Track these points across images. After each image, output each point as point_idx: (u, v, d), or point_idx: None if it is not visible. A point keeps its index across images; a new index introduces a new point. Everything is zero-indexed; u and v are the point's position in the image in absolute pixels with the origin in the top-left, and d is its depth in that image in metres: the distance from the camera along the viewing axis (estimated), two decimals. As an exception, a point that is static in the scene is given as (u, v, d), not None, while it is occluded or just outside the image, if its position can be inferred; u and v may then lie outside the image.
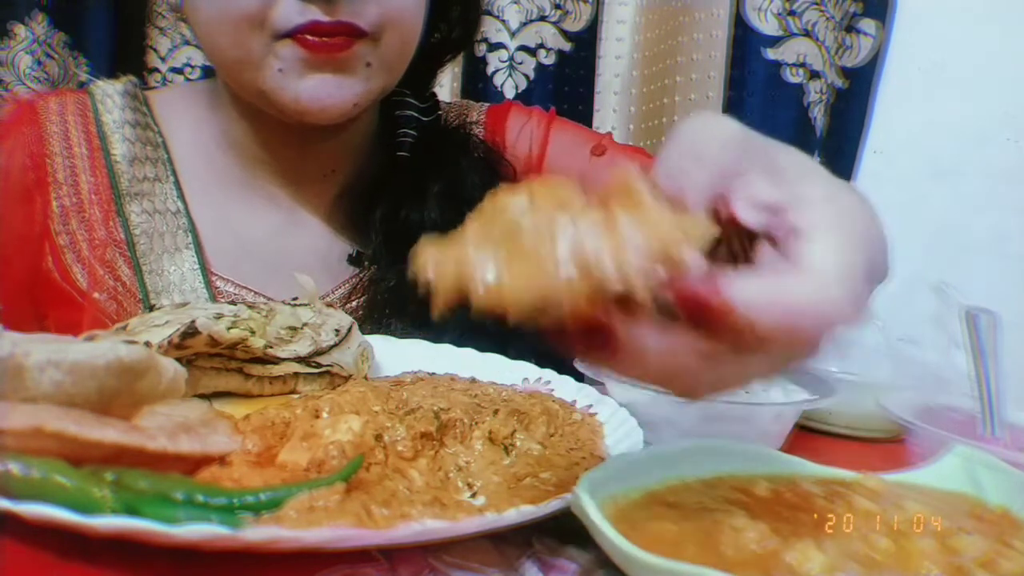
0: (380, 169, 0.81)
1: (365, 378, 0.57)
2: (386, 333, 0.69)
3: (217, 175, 0.77)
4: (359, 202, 0.79)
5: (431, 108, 0.84)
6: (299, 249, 0.78)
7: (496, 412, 0.48)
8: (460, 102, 0.92)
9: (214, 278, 0.74)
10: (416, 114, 0.82)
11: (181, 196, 0.75)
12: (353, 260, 0.78)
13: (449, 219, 0.77)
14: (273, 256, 0.75)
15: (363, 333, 0.62)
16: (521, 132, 0.88)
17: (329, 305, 0.63)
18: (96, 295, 0.71)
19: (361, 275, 0.78)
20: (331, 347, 0.55)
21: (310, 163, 0.78)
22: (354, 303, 0.77)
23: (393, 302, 0.75)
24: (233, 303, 0.60)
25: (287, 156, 0.77)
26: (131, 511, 0.32)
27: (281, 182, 0.78)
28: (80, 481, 0.33)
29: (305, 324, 0.57)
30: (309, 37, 0.63)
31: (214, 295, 0.73)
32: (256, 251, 0.76)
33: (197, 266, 0.73)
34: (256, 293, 0.74)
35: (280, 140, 0.75)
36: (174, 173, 0.76)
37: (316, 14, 0.62)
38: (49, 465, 0.33)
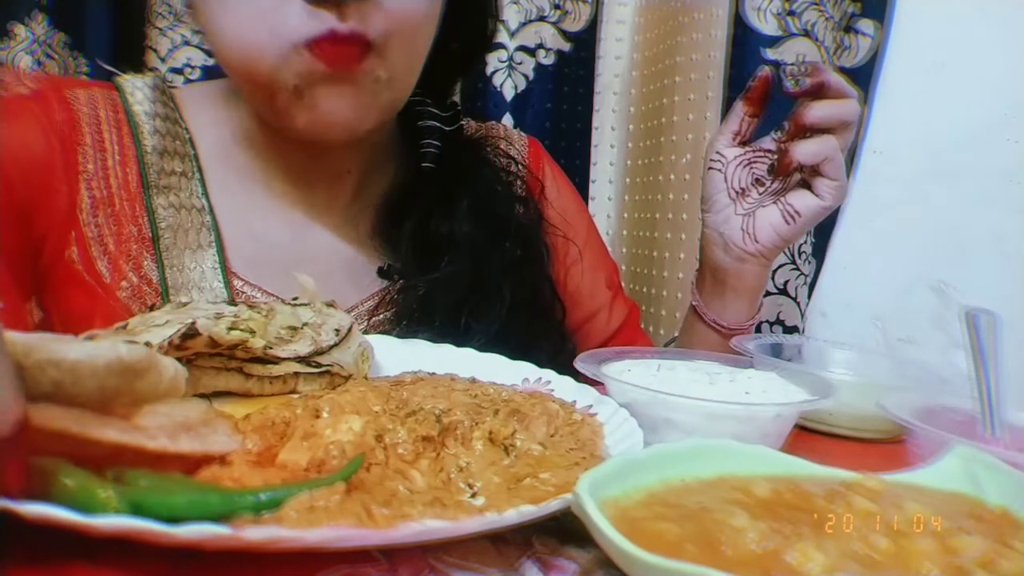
0: (406, 179, 0.81)
1: (365, 378, 0.57)
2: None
3: (238, 174, 0.77)
4: (387, 213, 0.79)
5: (453, 117, 0.84)
6: (320, 255, 0.78)
7: (496, 412, 0.48)
8: (491, 124, 0.94)
9: (234, 279, 0.73)
10: (438, 124, 0.82)
11: (206, 193, 0.75)
12: (383, 273, 0.78)
13: (479, 232, 0.78)
14: (294, 260, 0.75)
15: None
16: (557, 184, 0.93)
17: (329, 305, 0.63)
18: (119, 290, 0.70)
19: (389, 288, 0.78)
20: (331, 347, 0.55)
21: (323, 163, 0.78)
22: (381, 316, 0.77)
23: (421, 312, 0.75)
24: (234, 303, 0.60)
25: (298, 156, 0.77)
26: (136, 511, 0.32)
27: (295, 181, 0.78)
28: (84, 481, 0.33)
29: (305, 324, 0.57)
30: (326, 48, 0.62)
31: (233, 295, 0.72)
32: (276, 253, 0.76)
33: (218, 265, 0.72)
34: (276, 297, 0.73)
35: (290, 140, 0.75)
36: (200, 170, 0.76)
37: (329, 21, 0.61)
38: (54, 465, 0.33)
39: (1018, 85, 1.11)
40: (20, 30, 1.12)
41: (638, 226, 1.32)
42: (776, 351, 0.73)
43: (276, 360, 0.52)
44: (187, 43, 1.18)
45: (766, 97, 0.76)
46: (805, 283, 1.16)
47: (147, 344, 0.47)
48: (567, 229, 0.89)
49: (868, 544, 0.34)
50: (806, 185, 0.76)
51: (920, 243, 1.17)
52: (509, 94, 1.23)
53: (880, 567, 0.32)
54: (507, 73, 1.22)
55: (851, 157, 1.15)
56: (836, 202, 0.76)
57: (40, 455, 0.34)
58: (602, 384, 0.56)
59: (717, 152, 0.79)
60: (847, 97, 0.73)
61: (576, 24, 1.25)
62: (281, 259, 0.75)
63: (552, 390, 0.57)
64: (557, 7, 1.23)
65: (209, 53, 1.16)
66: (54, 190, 0.70)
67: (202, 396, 0.50)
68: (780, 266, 1.14)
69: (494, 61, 1.22)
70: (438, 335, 0.70)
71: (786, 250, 1.13)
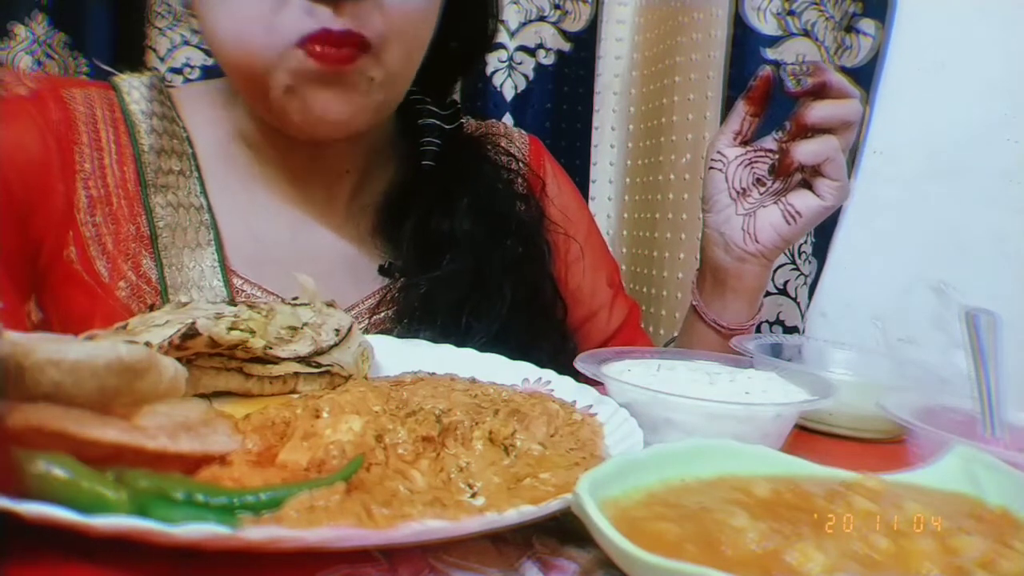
0: (406, 177, 0.81)
1: (365, 378, 0.57)
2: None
3: (237, 173, 0.77)
4: (388, 212, 0.79)
5: (453, 115, 0.84)
6: (321, 254, 0.78)
7: (496, 412, 0.48)
8: (491, 122, 0.95)
9: (233, 277, 0.73)
10: (438, 122, 0.82)
11: (204, 192, 0.75)
12: (384, 271, 0.78)
13: (480, 229, 0.78)
14: (294, 259, 0.75)
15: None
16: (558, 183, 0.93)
17: (329, 305, 0.63)
18: (118, 290, 0.70)
19: (390, 286, 0.78)
20: (331, 347, 0.55)
21: (322, 162, 0.78)
22: (382, 314, 0.77)
23: (422, 311, 0.75)
24: (233, 303, 0.60)
25: (297, 155, 0.77)
26: (142, 513, 0.32)
27: (295, 179, 0.78)
28: (94, 483, 0.33)
29: (305, 324, 0.57)
30: (318, 48, 0.62)
31: (233, 294, 0.72)
32: (276, 252, 0.76)
33: (217, 264, 0.72)
34: (276, 296, 0.73)
35: (290, 139, 0.75)
36: (198, 169, 0.76)
37: (325, 19, 0.62)
38: (68, 463, 0.33)
39: (1018, 85, 1.12)
40: (20, 30, 1.12)
41: (638, 226, 1.32)
42: (776, 351, 0.73)
43: (276, 360, 0.52)
44: (187, 43, 1.18)
45: (767, 97, 0.76)
46: (805, 283, 1.16)
47: (147, 344, 0.47)
48: (568, 227, 0.89)
49: (868, 544, 0.34)
50: (807, 185, 0.76)
51: (920, 243, 1.17)
52: (509, 94, 1.23)
53: (880, 567, 0.32)
54: (507, 73, 1.22)
55: (852, 157, 1.15)
56: (837, 202, 0.75)
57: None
58: (602, 384, 0.56)
59: (718, 152, 0.79)
60: (849, 97, 0.73)
61: (576, 24, 1.25)
62: (281, 257, 0.75)
63: (552, 390, 0.57)
64: (557, 7, 1.23)
65: (208, 53, 1.16)
66: (51, 190, 0.70)
67: (202, 396, 0.50)
68: (780, 266, 1.14)
69: (494, 61, 1.22)
70: (439, 334, 0.70)
71: (786, 250, 1.13)
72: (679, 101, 1.20)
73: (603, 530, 0.31)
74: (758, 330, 0.85)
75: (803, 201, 0.76)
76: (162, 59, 1.18)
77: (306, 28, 0.62)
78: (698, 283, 0.85)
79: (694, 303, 0.85)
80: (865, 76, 1.14)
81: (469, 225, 0.78)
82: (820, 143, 0.72)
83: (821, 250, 1.19)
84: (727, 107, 1.11)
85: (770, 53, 1.08)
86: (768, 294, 1.13)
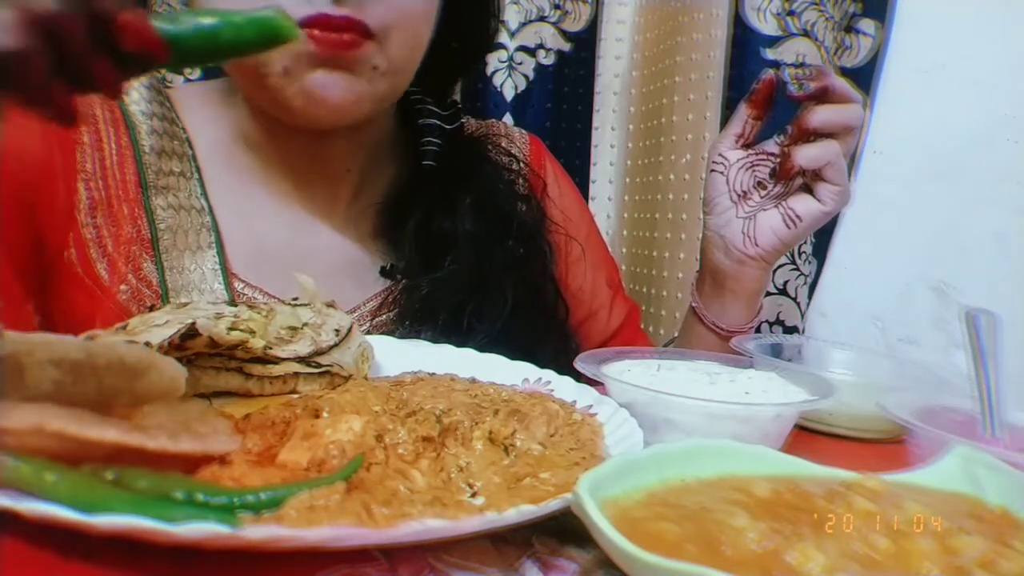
0: (407, 178, 0.81)
1: (365, 378, 0.57)
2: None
3: (237, 173, 0.77)
4: (389, 212, 0.79)
5: (453, 116, 0.84)
6: (322, 256, 0.77)
7: (496, 412, 0.48)
8: (491, 122, 0.95)
9: (235, 280, 0.73)
10: (439, 122, 0.82)
11: (205, 194, 0.75)
12: (386, 273, 0.78)
13: (481, 229, 0.78)
14: (295, 261, 0.74)
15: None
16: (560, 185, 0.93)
17: (329, 305, 0.63)
18: (118, 292, 0.70)
19: (392, 288, 0.77)
20: (331, 347, 0.55)
21: (322, 162, 0.78)
22: (384, 316, 0.77)
23: (424, 312, 0.75)
24: (234, 304, 0.60)
25: (298, 154, 0.77)
26: (134, 511, 0.32)
27: (296, 181, 0.78)
28: (84, 481, 0.33)
29: (305, 324, 0.57)
30: (317, 31, 0.62)
31: (234, 296, 0.72)
32: (278, 254, 0.75)
33: (218, 266, 0.72)
34: (278, 299, 0.72)
35: (291, 138, 0.75)
36: (198, 170, 0.75)
37: (323, 5, 0.62)
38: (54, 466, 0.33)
39: (1018, 85, 1.12)
40: (20, 30, 1.12)
41: (638, 226, 1.32)
42: (776, 351, 0.73)
43: (276, 360, 0.52)
44: (187, 43, 1.17)
45: (770, 100, 0.76)
46: (805, 283, 1.16)
47: (147, 344, 0.47)
48: (569, 227, 0.89)
49: (868, 544, 0.34)
50: (808, 189, 0.76)
51: (920, 243, 1.17)
52: (509, 94, 1.23)
53: (880, 567, 0.32)
54: (507, 73, 1.22)
55: (852, 161, 1.15)
56: (837, 207, 0.75)
57: (40, 454, 0.34)
58: (602, 384, 0.56)
59: (720, 154, 0.79)
60: (851, 101, 0.72)
61: (576, 24, 1.25)
62: (282, 260, 0.75)
63: (552, 390, 0.57)
64: (557, 7, 1.23)
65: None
66: (53, 190, 0.70)
67: (202, 396, 0.50)
68: (780, 266, 1.14)
69: (494, 61, 1.22)
70: (441, 335, 0.70)
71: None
72: (679, 101, 1.20)
73: (603, 530, 0.31)
74: (758, 330, 0.85)
75: (803, 205, 0.76)
76: (162, 59, 1.17)
77: (303, 12, 0.62)
78: (697, 285, 0.85)
79: (693, 305, 0.85)
80: (865, 76, 1.14)
81: (471, 225, 0.78)
82: (821, 147, 0.72)
83: (821, 250, 1.19)
84: (727, 107, 1.11)
85: (770, 53, 1.08)
86: (768, 294, 1.13)
